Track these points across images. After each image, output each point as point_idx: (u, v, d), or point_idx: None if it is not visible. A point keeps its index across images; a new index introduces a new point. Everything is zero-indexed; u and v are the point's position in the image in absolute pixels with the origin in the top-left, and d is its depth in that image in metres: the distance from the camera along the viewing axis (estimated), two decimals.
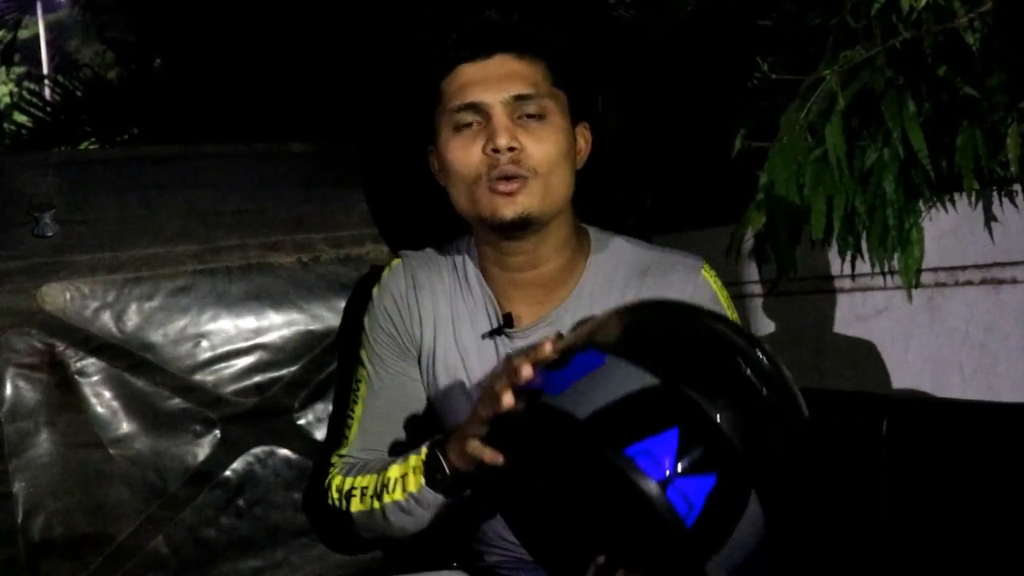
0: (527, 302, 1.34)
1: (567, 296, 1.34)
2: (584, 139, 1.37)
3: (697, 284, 1.33)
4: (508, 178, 1.26)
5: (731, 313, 1.34)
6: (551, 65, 1.32)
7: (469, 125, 1.29)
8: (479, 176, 1.28)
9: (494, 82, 1.28)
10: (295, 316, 1.60)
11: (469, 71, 1.30)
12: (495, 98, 1.28)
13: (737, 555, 1.00)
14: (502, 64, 1.30)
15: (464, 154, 1.29)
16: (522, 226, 1.28)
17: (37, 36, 15.77)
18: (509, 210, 1.27)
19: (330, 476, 1.40)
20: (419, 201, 1.51)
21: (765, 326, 2.36)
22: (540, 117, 1.29)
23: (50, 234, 1.52)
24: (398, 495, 1.27)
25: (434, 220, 1.44)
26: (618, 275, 1.35)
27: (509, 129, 1.27)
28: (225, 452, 1.55)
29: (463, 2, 1.41)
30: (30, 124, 5.46)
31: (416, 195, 1.50)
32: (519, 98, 1.28)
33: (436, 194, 1.37)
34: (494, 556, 1.38)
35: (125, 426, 1.52)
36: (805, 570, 1.50)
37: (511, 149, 1.26)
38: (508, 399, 1.05)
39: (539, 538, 1.12)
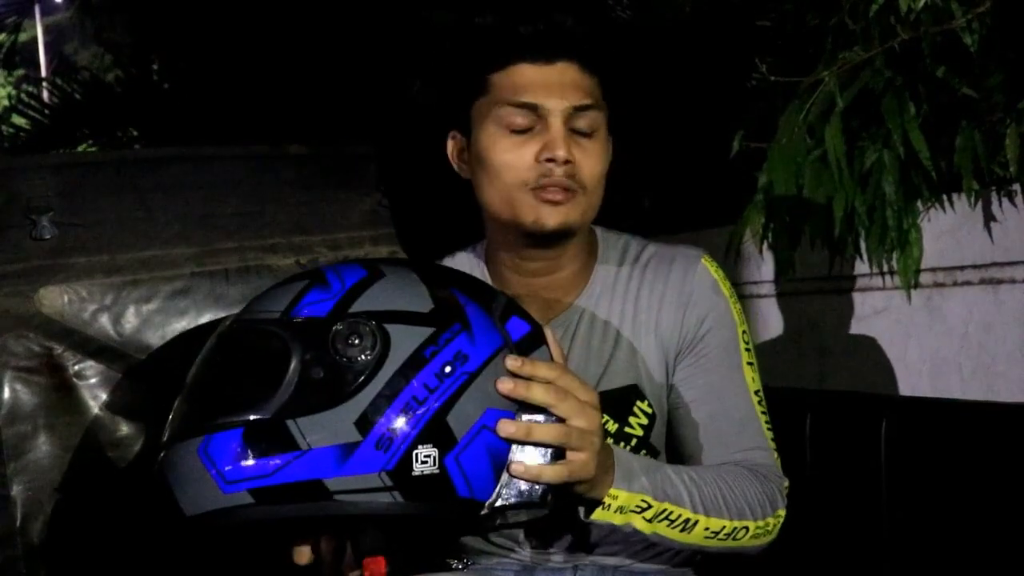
0: (539, 306, 1.32)
1: (577, 298, 1.34)
2: (609, 153, 1.34)
3: (696, 272, 1.32)
4: (559, 188, 1.23)
5: (733, 302, 1.34)
6: (603, 80, 1.29)
7: (522, 130, 1.24)
8: (525, 182, 1.24)
9: (556, 89, 1.24)
10: None
11: (530, 72, 1.25)
12: (557, 105, 1.24)
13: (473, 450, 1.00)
14: (564, 72, 1.26)
15: (514, 158, 1.24)
16: (560, 236, 1.27)
17: (35, 39, 15.77)
18: (553, 219, 1.24)
19: None
20: (419, 203, 1.50)
21: (764, 327, 2.36)
22: (591, 132, 1.26)
23: (48, 236, 1.52)
24: None
25: (436, 221, 1.44)
26: (622, 273, 1.34)
27: (567, 141, 1.23)
28: None
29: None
30: (28, 127, 5.45)
31: (415, 197, 1.49)
32: (578, 109, 1.24)
33: (436, 194, 1.35)
34: (493, 558, 1.38)
35: (123, 428, 1.51)
36: (805, 570, 1.50)
37: (567, 162, 1.23)
38: None
39: None
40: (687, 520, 1.17)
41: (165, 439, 1.05)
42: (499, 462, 1.03)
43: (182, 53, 4.97)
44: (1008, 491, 1.27)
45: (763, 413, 1.30)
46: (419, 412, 0.99)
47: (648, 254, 1.35)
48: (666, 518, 1.15)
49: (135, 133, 5.30)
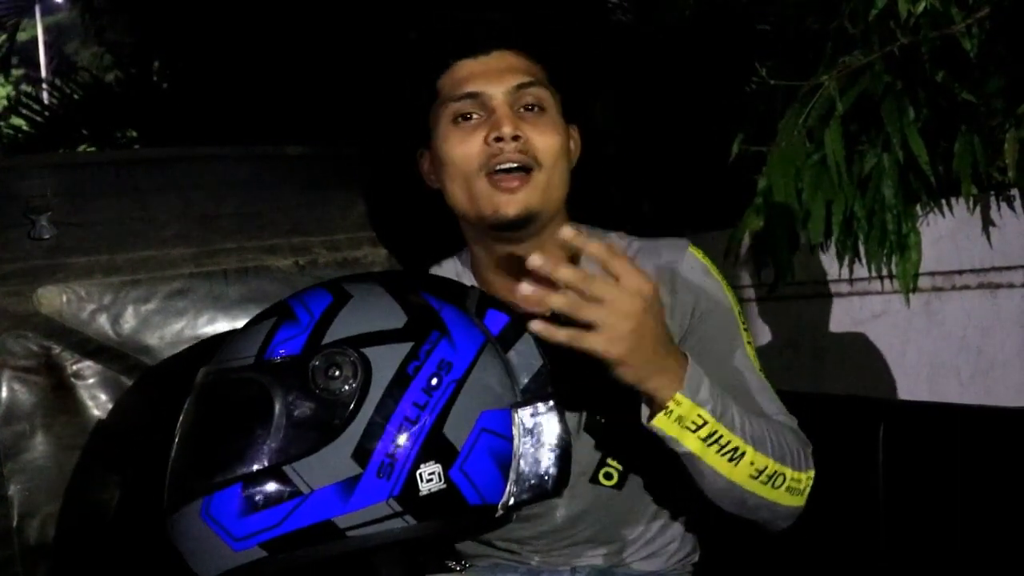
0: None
1: None
2: (575, 141, 1.36)
3: (685, 257, 1.33)
4: (511, 171, 1.24)
5: (726, 286, 1.34)
6: (547, 66, 1.31)
7: (468, 117, 1.27)
8: (479, 169, 1.25)
9: (495, 74, 1.27)
10: None
11: (468, 65, 1.29)
12: (497, 88, 1.26)
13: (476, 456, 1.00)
14: (500, 59, 1.29)
15: (464, 146, 1.26)
16: (523, 224, 1.26)
17: (35, 38, 15.76)
18: (511, 208, 1.25)
19: None
20: (416, 205, 1.50)
21: (762, 330, 2.36)
22: (540, 109, 1.28)
23: (47, 236, 1.52)
24: None
25: (431, 224, 1.44)
26: None
27: (512, 119, 1.25)
28: None
29: (460, 3, 1.41)
30: (27, 127, 5.45)
31: (413, 199, 1.49)
32: (520, 87, 1.27)
33: (432, 197, 1.35)
34: (491, 559, 1.38)
35: (121, 428, 1.51)
36: (805, 572, 1.50)
37: (515, 138, 1.24)
38: None
39: None
40: (736, 449, 1.15)
41: (165, 507, 1.03)
42: (504, 461, 1.02)
43: (182, 53, 4.97)
44: (1006, 495, 1.27)
45: (771, 388, 1.31)
46: (414, 431, 0.97)
47: (634, 249, 1.35)
48: (717, 442, 1.14)
49: (134, 134, 5.30)
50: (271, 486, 0.96)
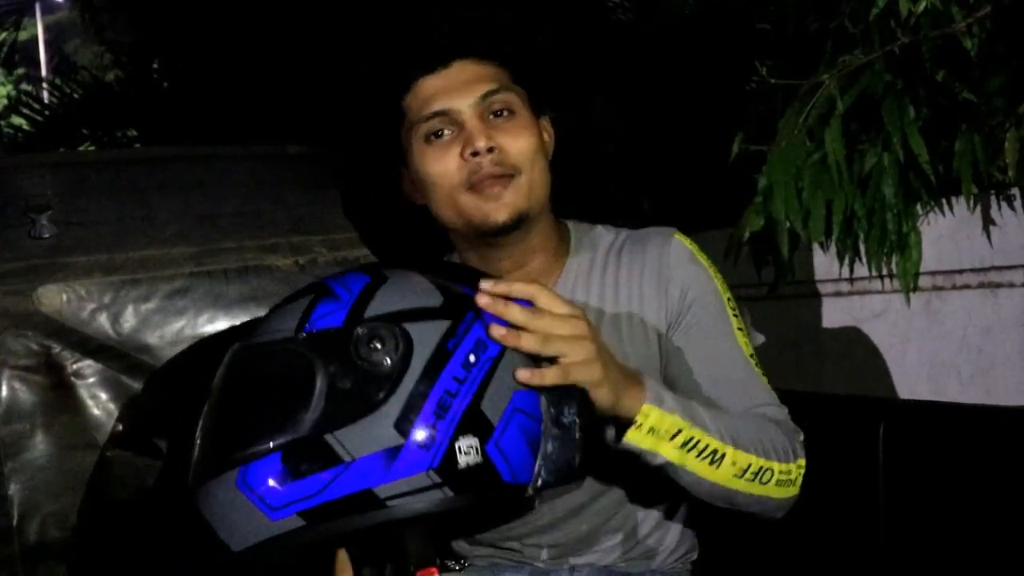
0: None
1: (553, 286, 1.32)
2: (548, 133, 1.36)
3: (671, 245, 1.33)
4: (493, 178, 1.25)
5: (714, 272, 1.34)
6: (507, 66, 1.31)
7: (440, 134, 1.27)
8: (460, 184, 1.26)
9: (458, 87, 1.27)
10: None
11: (430, 82, 1.28)
12: (463, 102, 1.26)
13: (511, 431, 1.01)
14: (462, 70, 1.28)
15: (441, 164, 1.27)
16: (514, 227, 1.27)
17: (35, 37, 15.77)
18: (501, 213, 1.25)
19: None
20: (415, 205, 1.50)
21: (762, 329, 2.36)
22: (510, 113, 1.28)
23: (47, 235, 1.51)
24: None
25: (430, 223, 1.44)
26: (597, 261, 1.35)
27: (484, 131, 1.25)
28: None
29: (431, 8, 1.42)
30: (27, 127, 5.46)
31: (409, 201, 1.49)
32: (487, 95, 1.27)
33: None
34: (493, 557, 1.38)
35: (121, 427, 1.51)
36: (803, 573, 1.50)
37: (491, 150, 1.24)
38: None
39: None
40: (715, 451, 1.15)
41: (193, 479, 1.02)
42: (535, 442, 1.03)
43: (182, 52, 4.97)
44: (1006, 495, 1.27)
45: (763, 375, 1.30)
46: (454, 405, 0.99)
47: (621, 239, 1.36)
48: (695, 447, 1.14)
49: (134, 133, 5.31)
50: (312, 455, 0.96)
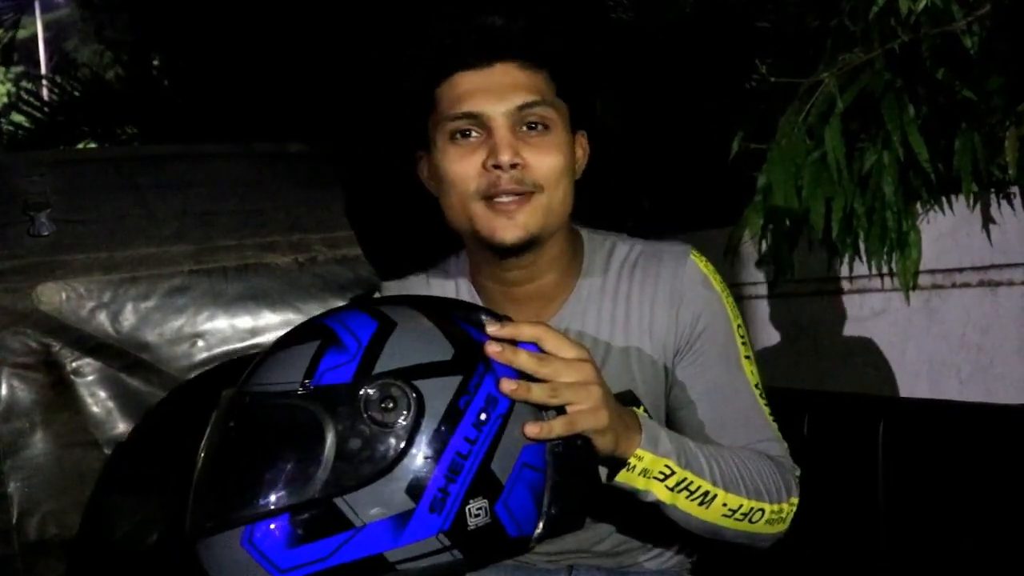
0: (525, 315, 1.28)
1: (564, 304, 1.31)
2: (582, 149, 1.31)
3: (686, 268, 1.29)
4: (510, 194, 1.20)
5: (726, 296, 1.32)
6: (554, 75, 1.25)
7: (467, 135, 1.21)
8: (476, 193, 1.21)
9: (496, 92, 1.20)
10: (291, 316, 1.59)
11: (468, 79, 1.21)
12: (497, 109, 1.20)
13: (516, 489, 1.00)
14: (505, 73, 1.21)
15: (461, 167, 1.21)
16: (522, 249, 1.23)
17: (35, 35, 15.76)
18: (510, 233, 1.20)
19: None
20: (415, 204, 1.50)
21: (763, 328, 2.36)
22: (544, 128, 1.22)
23: (46, 233, 1.51)
24: None
25: (430, 223, 1.43)
26: (611, 275, 1.31)
27: (512, 144, 1.19)
28: None
29: (463, 4, 1.36)
30: (27, 124, 5.46)
31: (413, 198, 1.49)
32: (524, 107, 1.20)
33: (428, 199, 1.32)
34: None
35: (120, 426, 1.51)
36: (803, 571, 1.50)
37: (513, 166, 1.19)
38: None
39: None
40: (706, 493, 1.15)
41: (191, 530, 1.00)
42: (539, 495, 1.02)
43: (182, 51, 4.97)
44: (1006, 493, 1.27)
45: (766, 406, 1.29)
46: (466, 467, 0.97)
47: (635, 254, 1.32)
48: (686, 488, 1.14)
49: (134, 130, 5.30)
50: (322, 518, 0.94)
